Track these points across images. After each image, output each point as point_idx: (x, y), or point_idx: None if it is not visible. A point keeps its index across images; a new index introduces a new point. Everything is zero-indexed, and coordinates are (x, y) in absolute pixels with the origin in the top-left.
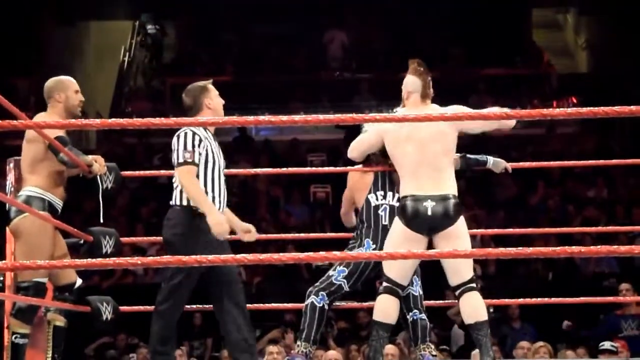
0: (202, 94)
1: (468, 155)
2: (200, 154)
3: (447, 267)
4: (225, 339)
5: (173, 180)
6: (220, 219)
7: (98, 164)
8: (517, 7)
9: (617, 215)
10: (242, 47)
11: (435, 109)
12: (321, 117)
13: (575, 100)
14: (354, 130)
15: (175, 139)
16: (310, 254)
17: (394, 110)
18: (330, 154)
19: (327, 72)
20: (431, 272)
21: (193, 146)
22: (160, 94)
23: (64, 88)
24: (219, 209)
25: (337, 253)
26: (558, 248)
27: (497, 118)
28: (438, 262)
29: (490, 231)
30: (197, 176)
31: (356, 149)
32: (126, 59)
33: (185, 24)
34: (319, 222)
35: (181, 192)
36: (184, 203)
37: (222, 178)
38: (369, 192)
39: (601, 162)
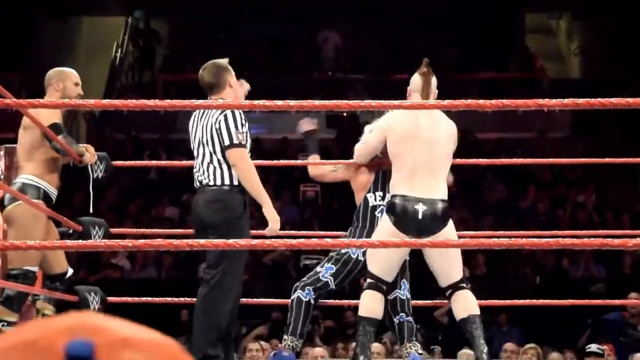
0: (226, 72)
1: None
2: (246, 134)
3: (437, 269)
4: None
5: (209, 160)
6: (277, 216)
7: (89, 153)
8: (510, 11)
9: (607, 221)
10: (235, 46)
11: (435, 112)
12: (317, 102)
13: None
14: (346, 131)
15: (222, 117)
16: (302, 240)
17: None
18: (322, 154)
19: (320, 72)
20: (420, 277)
21: (242, 126)
22: (152, 91)
23: (64, 78)
24: None
25: (329, 240)
26: (551, 239)
27: (493, 107)
28: (427, 267)
29: (480, 233)
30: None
31: (362, 153)
32: (118, 55)
33: (178, 21)
34: (308, 221)
35: (229, 171)
36: (235, 183)
37: None
38: (368, 192)
39: (593, 159)
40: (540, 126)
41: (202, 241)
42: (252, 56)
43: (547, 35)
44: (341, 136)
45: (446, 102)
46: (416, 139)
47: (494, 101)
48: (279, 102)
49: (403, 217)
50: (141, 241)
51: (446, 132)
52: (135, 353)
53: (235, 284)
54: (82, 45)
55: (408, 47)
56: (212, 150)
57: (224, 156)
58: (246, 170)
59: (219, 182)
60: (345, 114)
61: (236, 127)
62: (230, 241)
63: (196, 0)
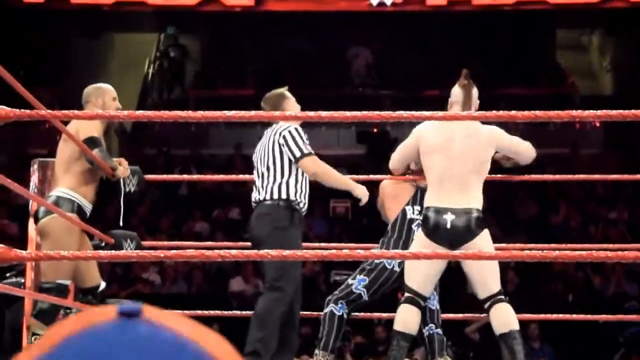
0: (284, 99)
1: None
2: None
3: (475, 280)
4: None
5: (266, 175)
6: (363, 188)
7: (122, 167)
8: (542, 27)
9: None
10: (265, 62)
11: (473, 124)
12: (348, 114)
13: (597, 123)
14: (376, 146)
15: (287, 133)
16: (333, 251)
17: None
18: (351, 169)
19: (350, 87)
20: (450, 290)
21: (307, 140)
22: (183, 107)
23: (102, 94)
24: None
25: (360, 251)
26: (584, 252)
27: (525, 119)
28: (457, 279)
29: (511, 245)
30: (303, 173)
31: (395, 159)
32: (150, 71)
33: (209, 37)
34: (338, 237)
35: (279, 187)
36: (283, 197)
37: None
38: (407, 204)
39: (625, 176)
40: (573, 142)
41: (233, 252)
42: (281, 71)
43: (578, 52)
44: (371, 152)
45: (477, 113)
46: (443, 151)
47: (526, 112)
48: (311, 113)
49: (434, 228)
50: (172, 252)
51: (483, 140)
52: (181, 322)
53: (291, 289)
54: (114, 62)
55: (438, 64)
56: (269, 164)
57: (282, 170)
58: (324, 172)
59: (268, 197)
60: (375, 130)
61: (302, 140)
62: (262, 252)
63: (227, 17)
